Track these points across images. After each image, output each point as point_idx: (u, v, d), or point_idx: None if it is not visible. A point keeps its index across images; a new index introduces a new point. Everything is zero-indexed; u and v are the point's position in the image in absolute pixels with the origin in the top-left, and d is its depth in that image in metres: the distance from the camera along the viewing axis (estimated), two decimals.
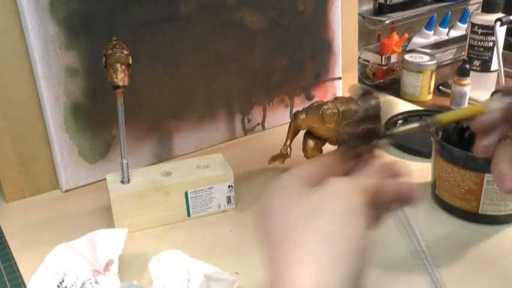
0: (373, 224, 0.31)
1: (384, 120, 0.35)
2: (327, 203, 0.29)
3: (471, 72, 0.95)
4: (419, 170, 0.71)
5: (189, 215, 0.65)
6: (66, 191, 0.73)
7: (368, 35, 1.13)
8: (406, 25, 1.13)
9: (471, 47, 0.99)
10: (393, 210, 0.33)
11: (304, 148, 0.71)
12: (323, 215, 0.28)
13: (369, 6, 1.09)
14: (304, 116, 0.70)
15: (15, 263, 0.59)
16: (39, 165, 0.71)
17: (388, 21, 1.05)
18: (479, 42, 0.97)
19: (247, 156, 0.80)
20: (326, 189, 0.30)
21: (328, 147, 0.71)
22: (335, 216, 0.28)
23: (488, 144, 0.38)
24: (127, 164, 0.62)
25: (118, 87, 0.61)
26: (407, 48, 1.11)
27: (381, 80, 1.09)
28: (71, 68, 0.68)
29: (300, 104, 0.90)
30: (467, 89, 0.94)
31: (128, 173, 0.63)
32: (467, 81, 0.94)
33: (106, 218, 0.65)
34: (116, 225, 0.62)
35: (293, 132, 0.73)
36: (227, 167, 0.66)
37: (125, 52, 0.61)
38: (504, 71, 0.94)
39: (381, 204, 0.32)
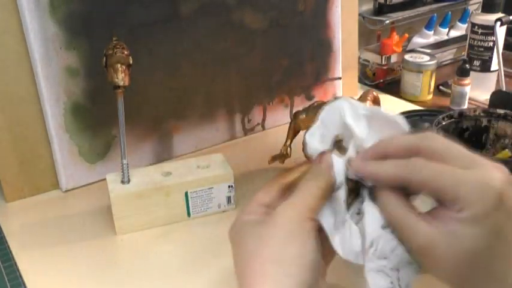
0: (323, 239, 0.35)
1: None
2: (274, 231, 0.34)
3: (471, 72, 0.95)
4: None
5: (189, 215, 0.65)
6: (66, 191, 0.73)
7: (368, 35, 1.13)
8: (406, 25, 1.13)
9: (471, 47, 0.99)
10: None
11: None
12: (272, 242, 0.33)
13: (369, 6, 1.09)
14: (304, 116, 0.70)
15: (15, 263, 0.59)
16: (39, 165, 0.71)
17: (388, 21, 1.05)
18: (479, 42, 0.97)
19: (247, 156, 0.80)
20: (273, 218, 0.34)
21: None
22: (281, 242, 0.33)
23: None
24: (127, 164, 0.62)
25: (118, 87, 0.61)
26: (407, 48, 1.11)
27: (381, 80, 1.10)
28: (71, 68, 0.68)
29: (300, 104, 0.90)
30: (467, 89, 0.95)
31: (128, 173, 0.63)
32: (467, 81, 0.94)
33: (106, 218, 0.65)
34: (116, 225, 0.62)
35: (293, 132, 0.73)
36: (227, 167, 0.66)
37: (126, 52, 0.61)
38: (504, 71, 0.94)
39: None
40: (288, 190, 0.37)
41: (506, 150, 0.63)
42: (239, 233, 0.36)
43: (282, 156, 0.73)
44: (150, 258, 0.59)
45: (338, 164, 0.36)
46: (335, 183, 0.36)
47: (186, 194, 0.64)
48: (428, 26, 1.12)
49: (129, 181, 0.63)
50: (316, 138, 0.39)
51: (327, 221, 0.35)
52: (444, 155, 0.32)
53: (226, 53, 0.81)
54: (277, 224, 0.34)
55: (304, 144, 0.40)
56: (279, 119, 0.90)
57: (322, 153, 0.38)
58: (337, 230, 0.35)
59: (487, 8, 0.96)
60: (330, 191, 0.36)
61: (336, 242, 0.35)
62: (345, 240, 0.35)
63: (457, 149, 0.33)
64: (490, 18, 0.94)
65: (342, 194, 0.35)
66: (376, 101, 0.74)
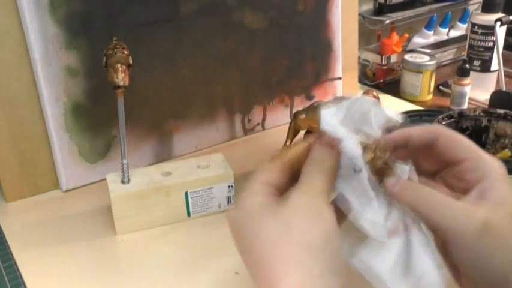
0: (340, 220, 0.35)
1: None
2: (296, 215, 0.32)
3: (471, 72, 0.95)
4: None
5: (189, 215, 0.65)
6: (67, 191, 0.73)
7: (368, 35, 1.14)
8: (406, 25, 1.13)
9: (471, 47, 0.99)
10: None
11: None
12: (296, 227, 0.32)
13: (369, 6, 1.09)
14: (304, 116, 0.70)
15: (15, 263, 0.59)
16: (39, 165, 0.71)
17: (388, 21, 1.05)
18: (479, 42, 0.97)
19: (247, 156, 0.80)
20: (292, 202, 0.33)
21: None
22: (306, 225, 0.32)
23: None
24: (127, 164, 0.62)
25: (118, 87, 0.61)
26: (407, 48, 1.11)
27: (381, 80, 1.10)
28: (71, 68, 0.68)
29: (300, 104, 0.90)
30: (467, 89, 0.95)
31: (128, 173, 0.63)
32: (467, 81, 0.94)
33: (106, 218, 0.65)
34: (116, 225, 0.62)
35: (293, 132, 0.73)
36: (227, 167, 0.66)
37: (126, 52, 0.61)
38: (504, 71, 0.94)
39: None
40: (291, 168, 0.37)
41: (506, 150, 0.63)
42: (252, 217, 0.33)
43: None
44: (150, 258, 0.59)
45: (351, 147, 0.36)
46: (340, 164, 0.36)
47: (186, 194, 0.64)
48: (428, 26, 1.12)
49: (129, 181, 0.63)
50: (335, 117, 0.37)
51: (350, 197, 0.35)
52: (458, 141, 0.36)
53: (226, 53, 0.81)
54: (297, 205, 0.33)
55: (319, 118, 0.38)
56: (279, 119, 0.90)
57: (322, 135, 0.36)
58: (364, 210, 0.35)
59: (487, 8, 0.96)
60: (336, 172, 0.35)
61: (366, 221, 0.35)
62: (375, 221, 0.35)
63: (468, 141, 0.36)
64: (490, 18, 0.94)
65: (364, 175, 0.35)
66: None
